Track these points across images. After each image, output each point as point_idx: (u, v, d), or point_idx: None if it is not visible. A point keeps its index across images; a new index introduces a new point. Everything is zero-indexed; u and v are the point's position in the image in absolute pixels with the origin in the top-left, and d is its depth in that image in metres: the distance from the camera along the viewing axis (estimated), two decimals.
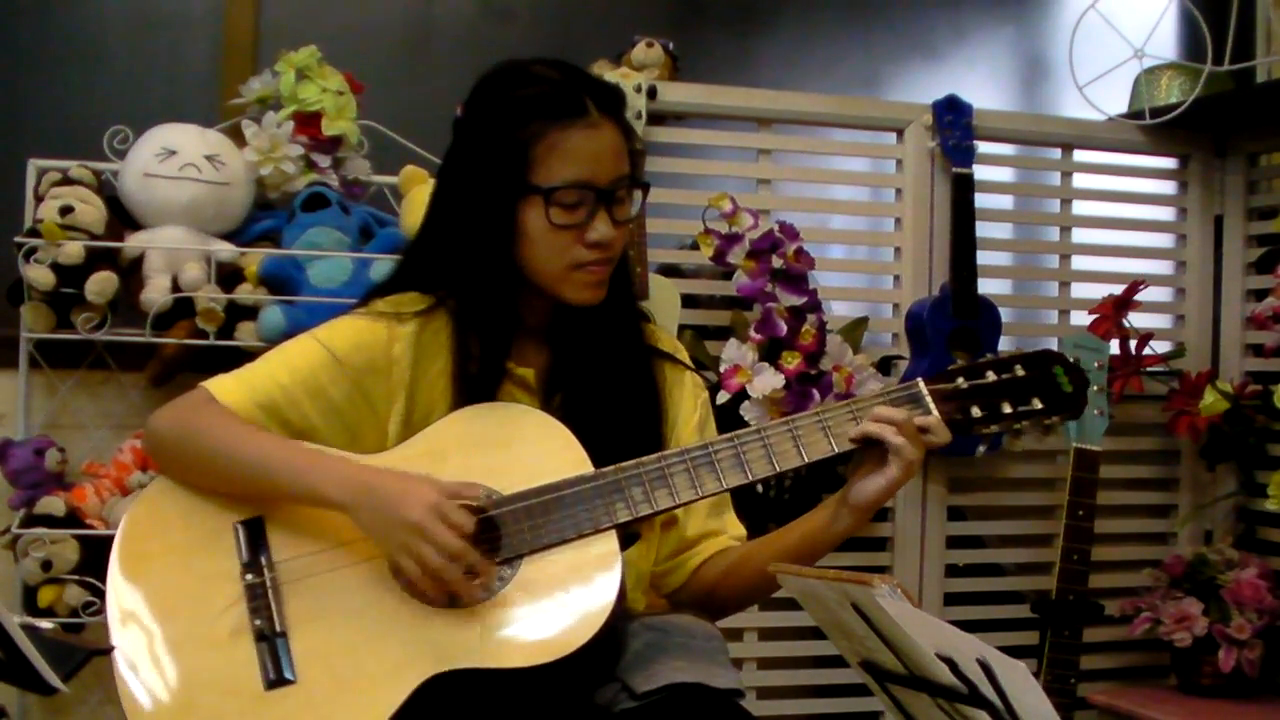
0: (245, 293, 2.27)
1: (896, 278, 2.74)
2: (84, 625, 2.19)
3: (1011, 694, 1.13)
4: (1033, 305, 3.13)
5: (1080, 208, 2.88)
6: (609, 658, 1.47)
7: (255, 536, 1.50)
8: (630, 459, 1.51)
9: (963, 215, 2.64)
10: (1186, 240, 2.92)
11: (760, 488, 2.39)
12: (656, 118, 2.57)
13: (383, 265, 2.22)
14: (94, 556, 2.14)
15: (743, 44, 3.29)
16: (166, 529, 1.52)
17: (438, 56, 3.03)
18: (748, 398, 2.37)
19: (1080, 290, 2.86)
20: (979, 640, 1.14)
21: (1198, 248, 2.91)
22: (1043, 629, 2.44)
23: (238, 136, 2.38)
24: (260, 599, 1.46)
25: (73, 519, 2.20)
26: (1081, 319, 2.73)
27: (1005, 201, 3.05)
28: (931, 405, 1.54)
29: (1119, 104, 2.88)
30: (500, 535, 1.47)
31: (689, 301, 2.55)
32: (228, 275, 2.29)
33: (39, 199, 2.27)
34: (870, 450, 1.53)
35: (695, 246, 2.46)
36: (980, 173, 2.68)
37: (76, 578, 2.18)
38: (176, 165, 2.28)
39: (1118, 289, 2.65)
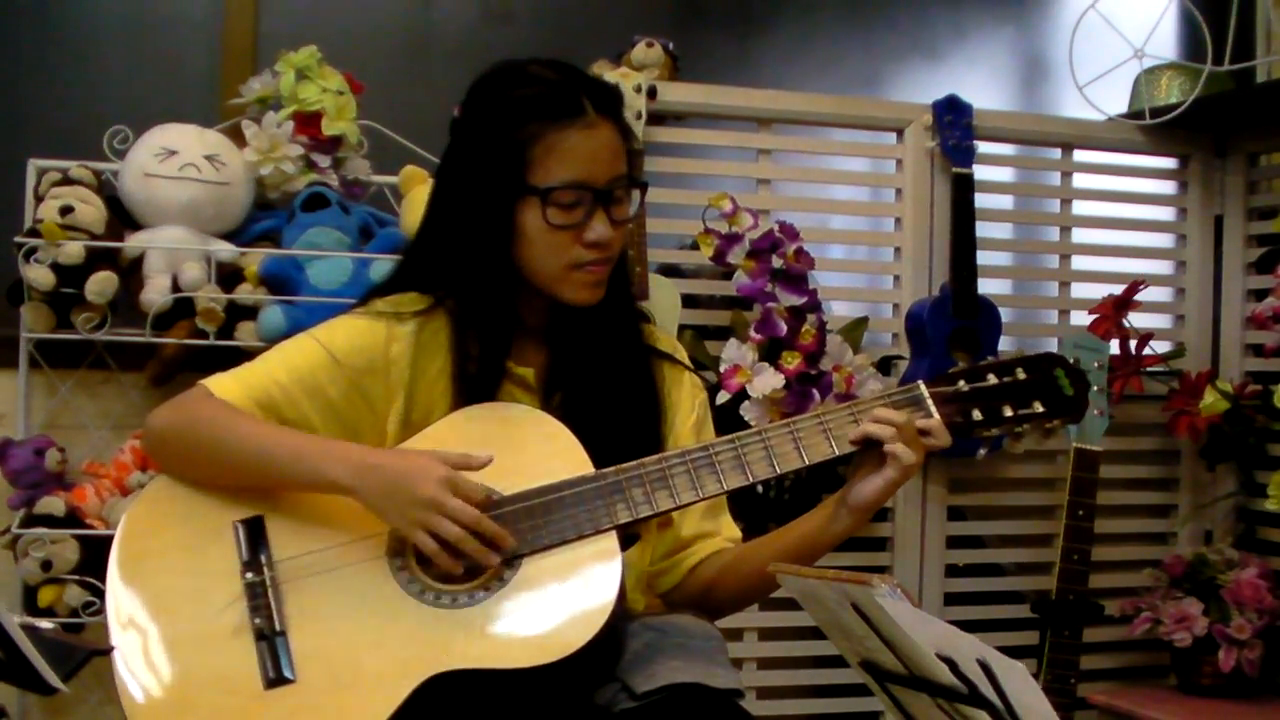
0: (245, 293, 2.27)
1: (896, 278, 2.74)
2: (84, 625, 2.20)
3: (1011, 694, 1.13)
4: (1033, 305, 3.13)
5: (1080, 208, 2.88)
6: (609, 658, 1.47)
7: (255, 535, 1.50)
8: (629, 459, 1.51)
9: (963, 215, 2.64)
10: (1186, 240, 2.92)
11: (760, 488, 2.39)
12: (656, 118, 2.57)
13: (383, 265, 2.22)
14: (94, 556, 2.14)
15: (743, 44, 3.29)
16: (166, 528, 1.52)
17: (437, 56, 3.03)
18: (748, 398, 2.37)
19: (1080, 290, 2.86)
20: (979, 640, 1.14)
21: (1198, 248, 2.91)
22: (1043, 629, 2.44)
23: (238, 136, 2.38)
24: (260, 598, 1.46)
25: (73, 519, 2.20)
26: (1081, 319, 2.73)
27: (1005, 201, 3.05)
28: (933, 408, 1.54)
29: (1119, 104, 2.88)
30: None
31: (689, 301, 2.55)
32: (228, 275, 2.29)
33: (39, 199, 2.27)
34: (870, 451, 1.53)
35: (695, 246, 2.46)
36: (980, 173, 2.68)
37: (76, 578, 2.18)
38: (176, 165, 2.28)
39: (1118, 289, 2.65)
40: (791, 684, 2.67)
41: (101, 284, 2.20)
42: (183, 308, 2.25)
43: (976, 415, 1.55)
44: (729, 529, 1.71)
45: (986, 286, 2.65)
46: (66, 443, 2.33)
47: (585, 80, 1.58)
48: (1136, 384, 2.61)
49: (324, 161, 2.41)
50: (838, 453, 1.53)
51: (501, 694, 1.42)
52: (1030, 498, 2.80)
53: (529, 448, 1.52)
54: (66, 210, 2.21)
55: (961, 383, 1.56)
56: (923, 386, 1.56)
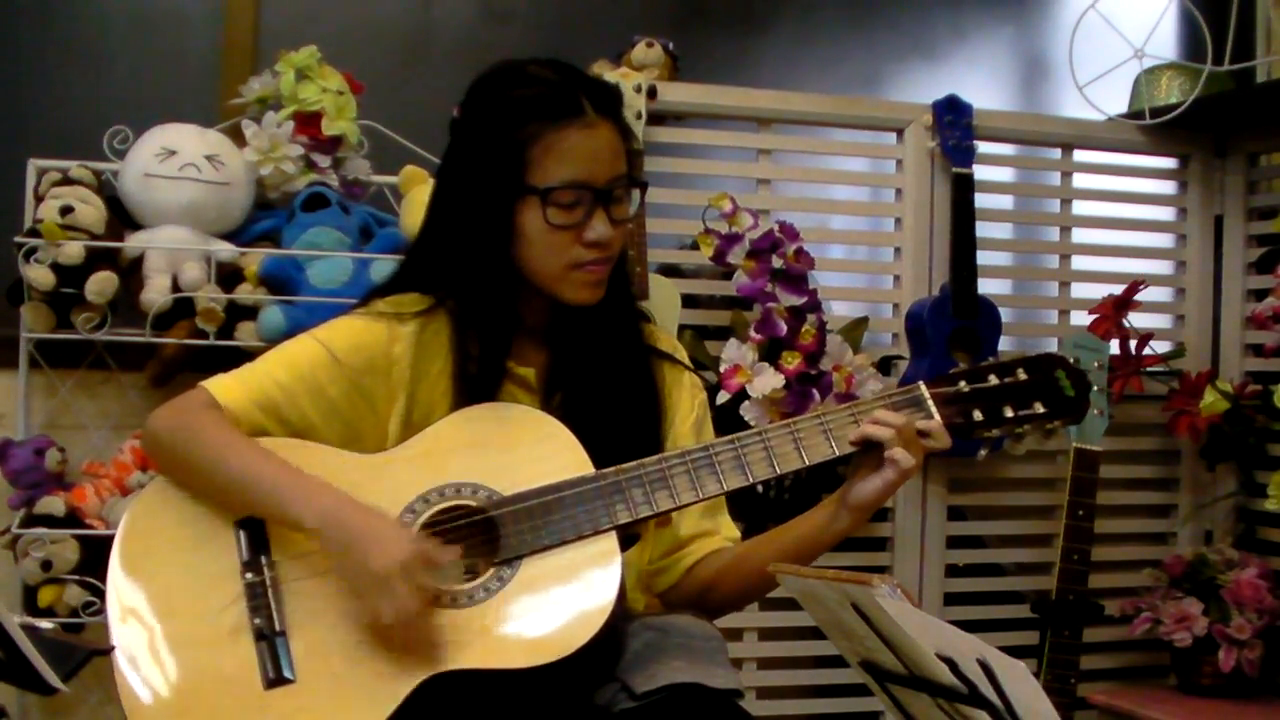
0: (245, 293, 2.27)
1: (896, 278, 2.74)
2: (84, 625, 2.20)
3: (1011, 694, 1.13)
4: (1033, 305, 3.13)
5: (1080, 208, 2.88)
6: (608, 658, 1.47)
7: (255, 535, 1.50)
8: (630, 459, 1.51)
9: (963, 215, 2.64)
10: (1186, 240, 2.92)
11: (760, 488, 2.39)
12: (656, 118, 2.57)
13: (383, 265, 2.23)
14: (94, 556, 2.14)
15: (743, 44, 3.29)
16: (166, 528, 1.52)
17: (437, 56, 3.02)
18: (748, 398, 2.37)
19: (1080, 290, 2.86)
20: (979, 640, 1.14)
21: (1198, 248, 2.91)
22: (1043, 629, 2.45)
23: (238, 136, 2.38)
24: (260, 598, 1.46)
25: (73, 519, 2.20)
26: (1081, 319, 2.73)
27: (1005, 201, 3.05)
28: (933, 408, 1.54)
29: (1119, 104, 2.88)
30: (500, 536, 1.47)
31: (689, 301, 2.55)
32: (228, 275, 2.29)
33: (39, 199, 2.27)
34: (869, 451, 1.53)
35: (695, 246, 2.46)
36: (980, 173, 2.68)
37: (76, 578, 2.18)
38: (176, 165, 2.28)
39: (1118, 289, 2.65)
40: (791, 684, 2.67)
41: (101, 284, 2.20)
42: (183, 308, 2.25)
43: (977, 416, 1.55)
44: (728, 528, 1.71)
45: (986, 286, 2.65)
46: (66, 443, 2.33)
47: (584, 80, 1.58)
48: (1136, 384, 2.61)
49: (324, 161, 2.41)
50: (838, 453, 1.53)
51: (501, 694, 1.42)
52: (1030, 498, 2.80)
53: (529, 448, 1.52)
54: (66, 210, 2.21)
55: (962, 383, 1.56)
56: (923, 387, 1.56)
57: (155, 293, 2.24)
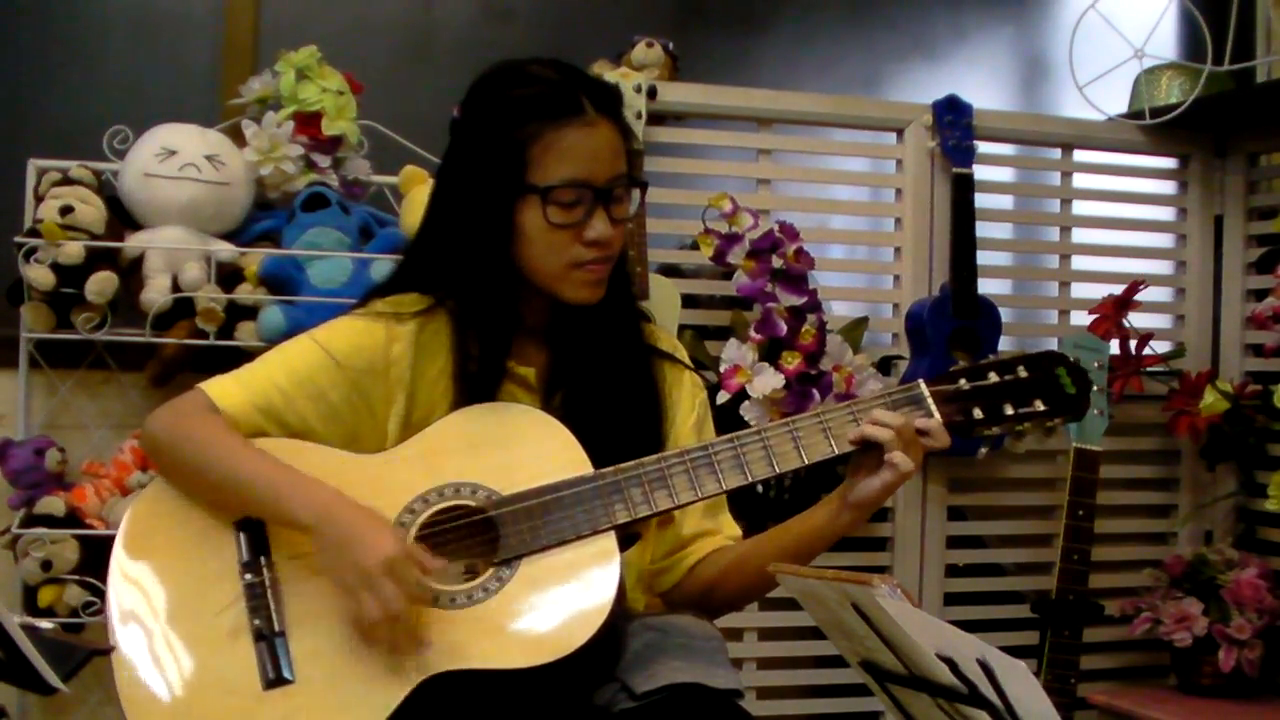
0: (245, 293, 2.27)
1: (896, 278, 2.74)
2: (84, 625, 2.19)
3: (1011, 694, 1.13)
4: (1033, 305, 3.13)
5: (1080, 208, 2.88)
6: (608, 658, 1.47)
7: (255, 536, 1.50)
8: (630, 458, 1.51)
9: (963, 215, 2.64)
10: (1186, 240, 2.92)
11: (760, 488, 2.39)
12: (656, 118, 2.57)
13: (383, 265, 2.23)
14: (94, 556, 2.14)
15: (743, 44, 3.29)
16: (166, 528, 1.52)
17: (438, 56, 3.02)
18: (748, 398, 2.37)
19: (1080, 290, 2.86)
20: (979, 640, 1.14)
21: (1198, 248, 2.91)
22: (1043, 629, 2.45)
23: (238, 136, 2.38)
24: (259, 598, 1.46)
25: (73, 519, 2.20)
26: (1081, 319, 2.73)
27: (1005, 201, 3.05)
28: (933, 407, 1.54)
29: (1119, 104, 2.88)
30: (499, 535, 1.47)
31: (689, 301, 2.55)
32: (228, 275, 2.29)
33: (39, 199, 2.27)
34: (869, 451, 1.53)
35: (695, 246, 2.46)
36: (980, 173, 2.68)
37: (76, 578, 2.18)
38: (176, 165, 2.28)
39: (1118, 289, 2.65)
40: (791, 684, 2.67)
41: (101, 284, 2.20)
42: (183, 308, 2.25)
43: (978, 414, 1.55)
44: (729, 527, 1.71)
45: (986, 286, 2.65)
46: (66, 443, 2.33)
47: (584, 79, 1.58)
48: (1136, 384, 2.61)
49: (324, 161, 2.41)
50: (837, 452, 1.53)
51: (500, 694, 1.42)
52: (1030, 498, 2.80)
53: (528, 447, 1.52)
54: (66, 210, 2.21)
55: (963, 381, 1.56)
56: (923, 385, 1.55)
57: (155, 293, 2.24)
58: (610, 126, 1.56)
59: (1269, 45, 3.09)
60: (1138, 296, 2.62)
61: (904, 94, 3.21)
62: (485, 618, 1.43)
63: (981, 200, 2.67)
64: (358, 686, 1.41)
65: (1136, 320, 2.66)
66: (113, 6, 2.84)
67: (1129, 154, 2.89)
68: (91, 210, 2.24)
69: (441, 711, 1.40)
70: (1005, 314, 2.66)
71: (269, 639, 1.45)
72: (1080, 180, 2.87)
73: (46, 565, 2.17)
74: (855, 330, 2.61)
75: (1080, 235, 2.88)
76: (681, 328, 2.48)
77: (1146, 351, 2.62)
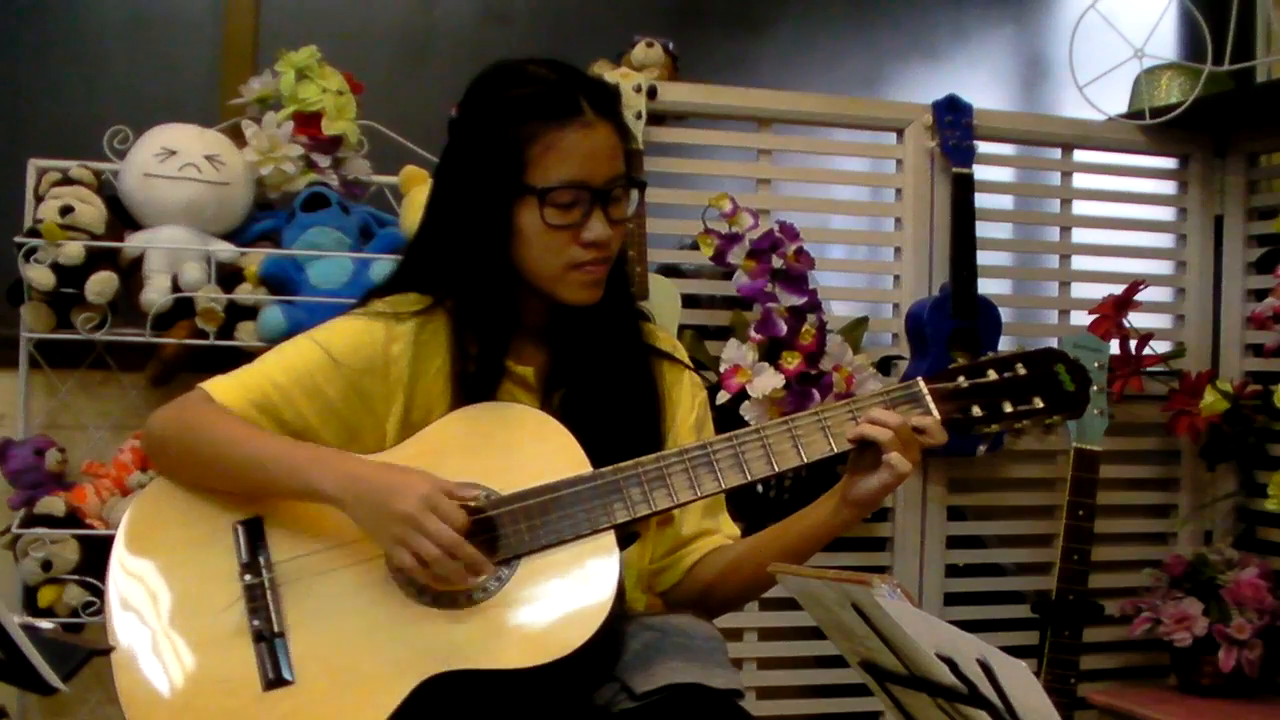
0: (245, 293, 2.27)
1: (896, 278, 2.74)
2: (84, 625, 2.20)
3: (1011, 694, 1.13)
4: (1033, 305, 3.12)
5: (1080, 208, 2.88)
6: (608, 658, 1.47)
7: (254, 537, 1.50)
8: (630, 457, 1.51)
9: (963, 215, 2.64)
10: (1186, 240, 2.92)
11: (760, 487, 2.39)
12: (656, 118, 2.57)
13: (383, 265, 2.23)
14: (94, 556, 2.14)
15: (743, 44, 3.29)
16: (166, 529, 1.52)
17: (437, 56, 3.02)
18: (748, 398, 2.37)
19: (1080, 290, 2.86)
20: (979, 640, 1.14)
21: (1198, 248, 2.91)
22: (1043, 629, 2.45)
23: (238, 136, 2.38)
24: (259, 599, 1.47)
25: (73, 519, 2.20)
26: (1081, 319, 2.73)
27: (1005, 201, 3.05)
28: (931, 405, 1.54)
29: (1119, 104, 2.88)
30: (498, 535, 1.47)
31: (689, 301, 2.55)
32: (228, 275, 2.29)
33: (39, 199, 2.27)
34: (868, 449, 1.52)
35: (695, 246, 2.46)
36: (980, 173, 2.68)
37: (76, 578, 2.18)
38: (176, 165, 2.28)
39: (1118, 289, 2.64)
40: (791, 684, 2.67)
41: (101, 284, 2.20)
42: (183, 308, 2.25)
43: (976, 411, 1.54)
44: (728, 525, 1.71)
45: (986, 286, 2.65)
46: (66, 443, 2.34)
47: (583, 80, 1.58)
48: (1136, 384, 2.61)
49: (324, 161, 2.41)
50: (836, 450, 1.53)
51: (500, 694, 1.42)
52: (1030, 498, 2.80)
53: (527, 447, 1.52)
54: (66, 210, 2.21)
55: (961, 379, 1.55)
56: (922, 383, 1.55)
57: (155, 293, 2.24)
58: (608, 127, 1.55)
59: (1269, 45, 3.09)
60: (1138, 296, 2.62)
61: (904, 94, 3.21)
62: (485, 617, 1.43)
63: (981, 200, 2.67)
64: (358, 687, 1.41)
65: (1136, 320, 2.66)
66: (112, 7, 2.84)
67: (1129, 154, 2.90)
68: (91, 210, 2.24)
69: (441, 712, 1.40)
70: (1005, 314, 2.66)
71: (269, 640, 1.45)
72: (1080, 180, 2.87)
73: (46, 565, 2.18)
74: (855, 330, 2.61)
75: (1080, 235, 2.88)
76: (681, 328, 2.48)
77: (1146, 351, 2.62)
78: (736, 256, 2.41)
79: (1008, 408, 1.55)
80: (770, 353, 2.40)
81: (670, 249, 2.69)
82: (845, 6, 3.40)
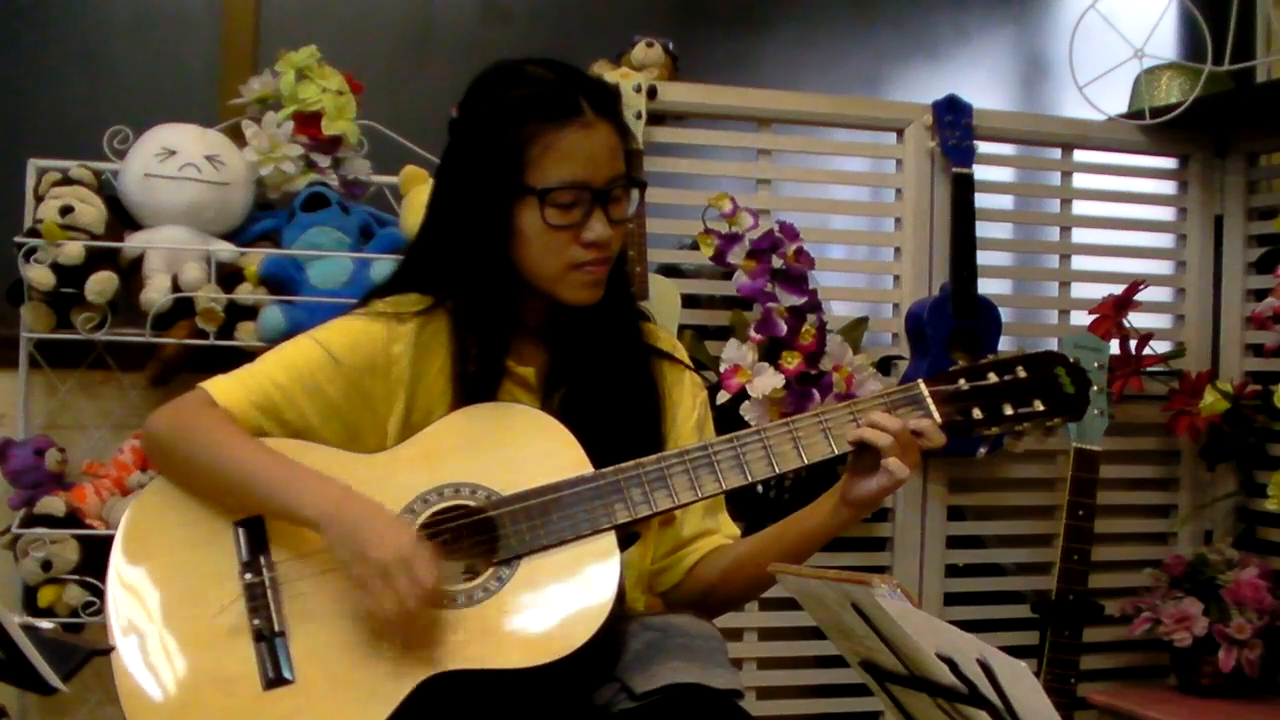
0: (245, 293, 2.27)
1: (896, 278, 2.74)
2: (84, 625, 2.19)
3: (1011, 694, 1.13)
4: (1033, 305, 3.12)
5: (1080, 208, 2.88)
6: (608, 658, 1.47)
7: (255, 536, 1.50)
8: (630, 457, 1.51)
9: (963, 215, 2.64)
10: (1186, 240, 2.92)
11: (760, 488, 2.39)
12: (656, 118, 2.57)
13: (383, 265, 2.23)
14: (94, 556, 2.14)
15: (743, 44, 3.29)
16: (166, 528, 1.52)
17: (438, 56, 3.03)
18: (748, 398, 2.37)
19: (1080, 290, 2.86)
20: (979, 640, 1.14)
21: (1198, 248, 2.91)
22: (1043, 629, 2.45)
23: (238, 136, 2.38)
24: (259, 599, 1.46)
25: (73, 519, 2.20)
26: (1081, 319, 2.73)
27: (1005, 201, 3.05)
28: (932, 407, 1.54)
29: (1119, 104, 2.88)
30: (499, 536, 1.47)
31: (689, 301, 2.55)
32: (228, 275, 2.29)
33: (39, 199, 2.27)
34: (867, 451, 1.52)
35: (695, 246, 2.46)
36: (980, 173, 2.68)
37: (76, 578, 2.18)
38: (176, 165, 2.28)
39: (1118, 289, 2.64)
40: (791, 684, 2.67)
41: (101, 284, 2.20)
42: (183, 308, 2.25)
43: (977, 414, 1.54)
44: (727, 526, 1.71)
45: (986, 286, 2.65)
46: (66, 443, 2.33)
47: (582, 80, 1.58)
48: (1136, 384, 2.61)
49: (324, 161, 2.41)
50: (836, 452, 1.53)
51: (500, 694, 1.42)
52: (1030, 498, 2.80)
53: (528, 447, 1.52)
54: (66, 210, 2.21)
55: (962, 381, 1.55)
56: (922, 385, 1.55)
57: (155, 293, 2.24)
58: (608, 127, 1.55)
59: (1269, 45, 3.08)
60: (1138, 296, 2.62)
61: (904, 94, 3.21)
62: (485, 618, 1.43)
63: (981, 200, 2.67)
64: (358, 686, 1.41)
65: (1136, 320, 2.66)
66: (113, 6, 2.84)
67: (1129, 154, 2.89)
68: (91, 210, 2.24)
69: (441, 711, 1.40)
70: (1005, 314, 2.66)
71: (269, 639, 1.45)
72: (1080, 180, 2.87)
73: (46, 565, 2.18)
74: (855, 330, 2.61)
75: (1080, 235, 2.88)
76: (681, 328, 2.49)
77: (1146, 351, 2.62)
78: (736, 256, 2.41)
79: (1008, 410, 1.55)
80: (770, 353, 2.40)
81: (670, 249, 2.69)
82: (845, 6, 3.40)
